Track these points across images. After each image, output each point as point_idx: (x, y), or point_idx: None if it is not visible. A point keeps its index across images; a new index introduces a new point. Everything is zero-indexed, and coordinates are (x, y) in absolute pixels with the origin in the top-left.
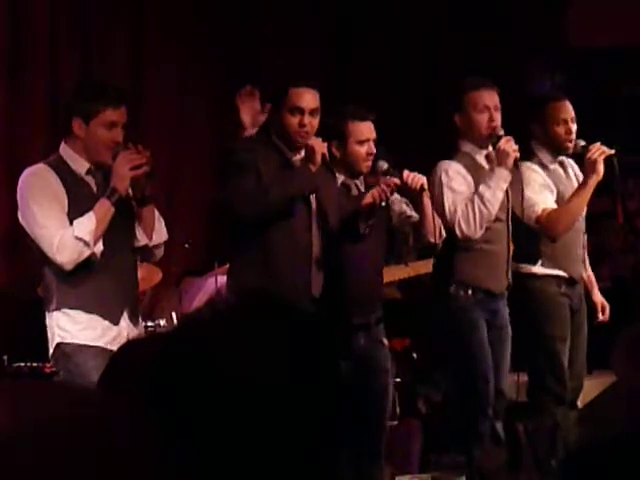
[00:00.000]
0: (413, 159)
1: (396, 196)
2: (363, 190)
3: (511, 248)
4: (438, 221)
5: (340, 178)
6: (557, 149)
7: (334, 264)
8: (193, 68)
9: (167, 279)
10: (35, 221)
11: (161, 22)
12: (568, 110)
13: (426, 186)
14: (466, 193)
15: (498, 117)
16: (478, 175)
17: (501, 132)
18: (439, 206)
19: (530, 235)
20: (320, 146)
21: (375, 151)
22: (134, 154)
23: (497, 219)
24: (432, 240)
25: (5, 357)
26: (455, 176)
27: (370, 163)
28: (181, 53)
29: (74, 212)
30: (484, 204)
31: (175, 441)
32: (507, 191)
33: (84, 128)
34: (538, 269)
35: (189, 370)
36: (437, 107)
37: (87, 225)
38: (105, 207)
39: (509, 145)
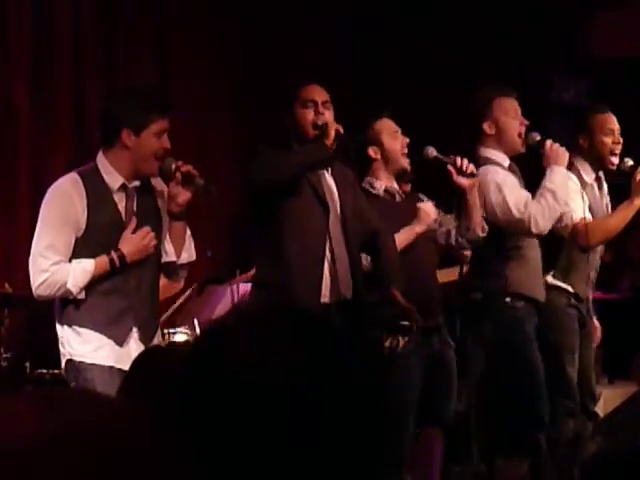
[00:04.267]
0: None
1: (428, 201)
2: (403, 196)
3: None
4: (482, 214)
5: (382, 186)
6: (601, 162)
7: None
8: (218, 82)
9: (189, 287)
10: (38, 243)
11: (186, 37)
12: (614, 121)
13: (475, 172)
14: (524, 191)
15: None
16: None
17: (538, 137)
18: (499, 207)
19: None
20: (333, 123)
21: (408, 140)
22: (150, 233)
23: None
24: (479, 233)
25: (27, 364)
26: (506, 177)
27: (407, 159)
28: (207, 67)
29: (92, 233)
30: (556, 200)
31: (200, 447)
32: None
33: (134, 139)
34: (549, 279)
35: (213, 378)
36: (458, 115)
37: (81, 280)
38: (105, 268)
39: (556, 146)
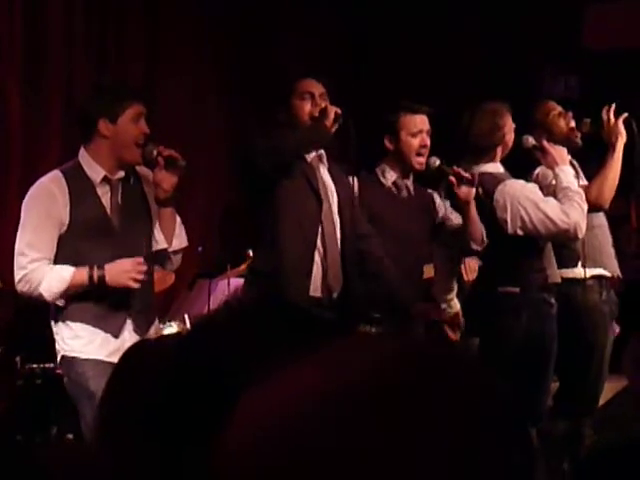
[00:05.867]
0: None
1: (439, 200)
2: (413, 193)
3: None
4: (481, 227)
5: (392, 177)
6: (567, 143)
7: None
8: (207, 71)
9: (180, 282)
10: (20, 240)
11: (175, 26)
12: (556, 106)
13: (472, 178)
14: (550, 198)
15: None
16: None
17: (533, 141)
18: (542, 224)
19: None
20: (331, 106)
21: (428, 143)
22: (142, 267)
23: None
24: (476, 247)
25: (18, 358)
26: (533, 189)
27: (423, 160)
28: (196, 56)
29: (76, 229)
30: (582, 200)
31: (186, 439)
32: None
33: (111, 127)
34: (579, 271)
35: (202, 373)
36: (453, 110)
37: (55, 287)
38: (83, 281)
39: (556, 146)
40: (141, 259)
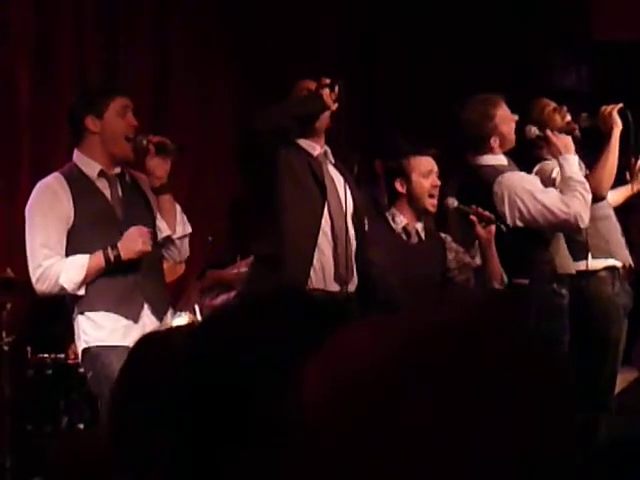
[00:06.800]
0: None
1: (452, 244)
2: (424, 237)
3: None
4: (499, 266)
5: (402, 222)
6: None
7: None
8: (217, 70)
9: (190, 272)
10: (31, 241)
11: (185, 25)
12: (550, 102)
13: (493, 217)
14: (550, 189)
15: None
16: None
17: (537, 131)
18: (540, 214)
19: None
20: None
21: (439, 184)
22: (145, 229)
23: None
24: (497, 286)
25: (29, 348)
26: (530, 179)
27: (435, 202)
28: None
29: (82, 222)
30: (586, 190)
31: (199, 430)
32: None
33: (98, 123)
34: (590, 263)
35: (214, 367)
36: (463, 105)
37: (75, 276)
38: (100, 264)
39: (560, 135)
40: (142, 227)
